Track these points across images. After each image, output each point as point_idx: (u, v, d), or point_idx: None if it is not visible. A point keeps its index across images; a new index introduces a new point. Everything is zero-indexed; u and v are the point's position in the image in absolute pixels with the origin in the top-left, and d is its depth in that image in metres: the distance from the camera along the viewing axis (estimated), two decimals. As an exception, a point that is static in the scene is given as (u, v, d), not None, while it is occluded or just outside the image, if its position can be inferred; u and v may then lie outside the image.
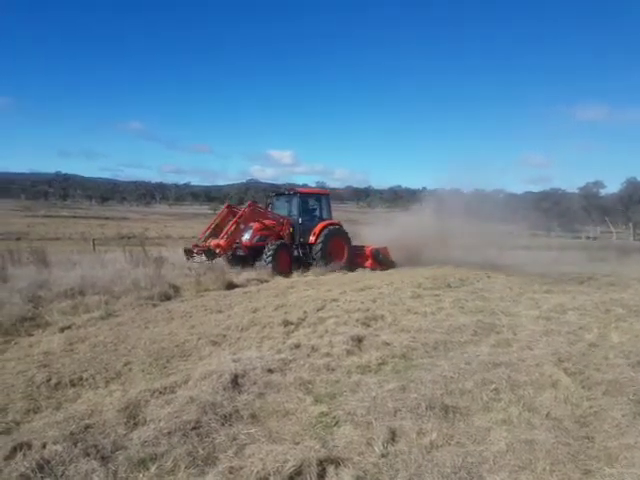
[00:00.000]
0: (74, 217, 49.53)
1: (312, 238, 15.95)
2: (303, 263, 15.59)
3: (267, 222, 15.58)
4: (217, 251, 14.02)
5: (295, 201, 16.41)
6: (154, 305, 9.32)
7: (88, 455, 3.38)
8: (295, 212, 16.27)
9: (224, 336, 6.89)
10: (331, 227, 16.39)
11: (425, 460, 3.51)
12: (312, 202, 17.07)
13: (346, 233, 16.86)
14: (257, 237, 15.29)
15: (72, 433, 3.71)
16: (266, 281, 12.82)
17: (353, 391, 4.82)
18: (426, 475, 3.30)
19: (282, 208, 16.77)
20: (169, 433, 3.75)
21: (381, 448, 3.64)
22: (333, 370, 5.44)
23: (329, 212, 17.26)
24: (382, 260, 17.27)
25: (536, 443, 3.73)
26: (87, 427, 3.88)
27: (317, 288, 11.57)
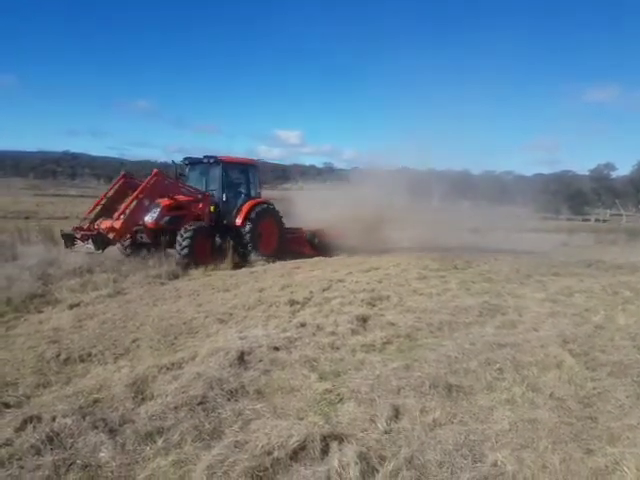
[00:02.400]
0: (82, 196, 49.71)
1: (239, 220, 13.01)
2: (225, 251, 12.20)
3: (181, 198, 12.20)
4: (110, 236, 10.58)
5: (216, 172, 13.18)
6: (162, 283, 9.42)
7: (96, 428, 3.45)
8: (217, 186, 13.13)
9: (231, 314, 6.96)
10: (262, 206, 13.59)
11: (428, 437, 3.55)
12: (237, 174, 13.86)
13: (279, 214, 14.08)
14: (166, 218, 11.82)
15: (81, 407, 3.78)
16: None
17: (357, 369, 4.86)
18: (428, 452, 3.34)
19: (198, 181, 13.52)
20: (176, 408, 3.82)
21: (384, 425, 3.68)
22: (338, 349, 5.49)
23: (257, 188, 14.30)
24: (318, 245, 15.03)
25: (539, 422, 3.75)
26: (96, 401, 3.96)
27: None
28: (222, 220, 13.00)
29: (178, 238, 11.41)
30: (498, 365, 4.93)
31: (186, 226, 11.63)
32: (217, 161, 12.99)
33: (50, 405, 3.83)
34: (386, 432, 3.61)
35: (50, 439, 3.27)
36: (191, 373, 4.47)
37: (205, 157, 13.10)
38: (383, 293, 8.32)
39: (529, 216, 34.69)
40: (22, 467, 2.99)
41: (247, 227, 12.95)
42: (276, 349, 5.32)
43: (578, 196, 58.43)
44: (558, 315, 7.22)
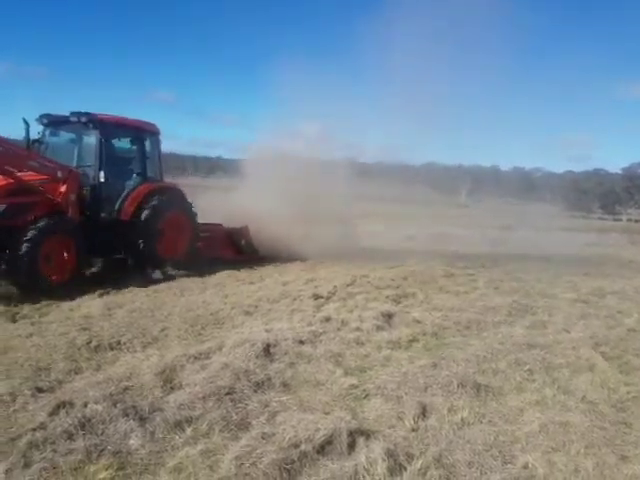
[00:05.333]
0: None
1: (126, 211, 8.86)
2: (110, 262, 9.28)
3: (27, 176, 7.72)
4: None
5: (91, 139, 8.80)
6: (188, 275, 9.53)
7: (127, 415, 3.50)
8: (92, 160, 8.66)
9: (256, 307, 7.00)
10: (165, 192, 9.50)
11: (456, 436, 3.50)
12: (126, 144, 9.47)
13: (190, 204, 10.07)
14: (1, 207, 7.41)
15: (112, 394, 3.84)
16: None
17: (383, 365, 4.84)
18: (457, 451, 3.29)
19: (64, 152, 9.07)
20: (204, 397, 3.85)
21: (411, 422, 3.64)
22: (363, 344, 5.46)
23: (159, 166, 9.93)
24: (246, 247, 11.60)
25: (570, 425, 3.66)
26: (126, 389, 4.03)
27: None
28: (98, 212, 8.67)
29: (20, 240, 7.20)
30: (528, 366, 4.85)
31: (32, 222, 7.44)
32: (92, 121, 8.47)
33: (82, 391, 3.90)
34: (413, 430, 3.58)
35: (82, 424, 3.33)
36: (218, 363, 4.51)
37: (73, 114, 8.55)
38: (408, 290, 8.25)
39: (559, 214, 33.96)
40: (55, 451, 3.05)
41: (140, 222, 8.86)
42: (301, 342, 5.33)
43: (610, 195, 56.82)
44: (590, 316, 7.05)
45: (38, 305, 6.82)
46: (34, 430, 3.28)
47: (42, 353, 4.88)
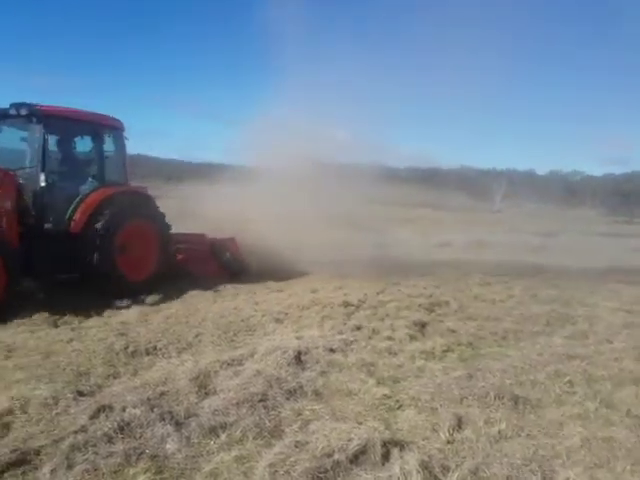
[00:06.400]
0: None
1: (78, 221, 7.50)
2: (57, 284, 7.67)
3: None
4: None
5: (34, 135, 7.32)
6: (220, 281, 9.62)
7: (164, 420, 3.57)
8: (32, 159, 7.38)
9: (286, 314, 7.01)
10: (126, 197, 8.08)
11: (493, 449, 3.41)
12: (78, 141, 8.20)
13: (160, 212, 8.58)
14: None
15: (149, 399, 3.93)
16: None
17: (417, 376, 4.77)
18: (494, 464, 3.20)
19: (5, 153, 7.86)
20: (237, 404, 3.89)
21: (447, 434, 3.58)
22: (395, 354, 5.40)
23: (123, 168, 8.56)
24: (229, 262, 10.05)
25: (615, 441, 3.52)
26: (162, 394, 4.11)
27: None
28: (41, 222, 7.29)
29: None
30: (568, 378, 4.70)
31: None
32: (34, 114, 7.19)
33: (120, 395, 4.01)
34: (449, 442, 3.51)
35: (121, 428, 3.42)
36: (251, 370, 4.55)
37: (12, 106, 7.31)
38: (442, 298, 8.13)
39: (599, 219, 32.80)
40: (96, 453, 3.14)
41: (94, 234, 7.44)
42: (332, 351, 5.32)
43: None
44: (633, 326, 6.79)
45: (78, 311, 7.03)
46: (76, 433, 3.38)
47: (82, 358, 5.04)
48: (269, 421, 3.71)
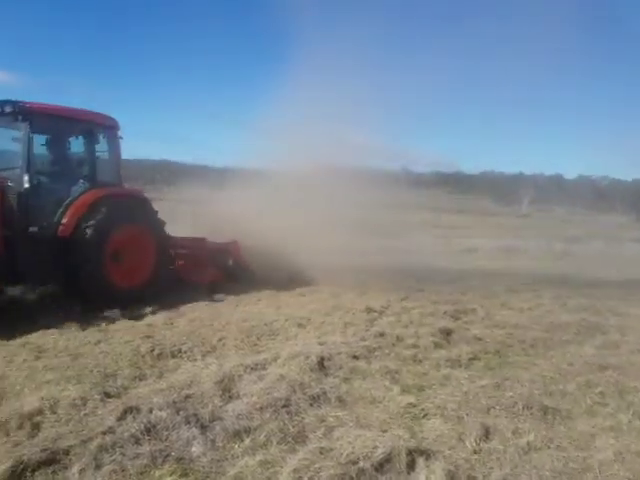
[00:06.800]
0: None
1: (67, 225, 7.08)
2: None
3: None
4: None
5: (19, 134, 6.98)
6: (242, 286, 9.66)
7: (189, 423, 3.60)
8: (17, 160, 6.98)
9: (308, 319, 6.97)
10: (120, 200, 7.72)
11: (521, 461, 3.33)
12: (67, 140, 7.83)
13: (156, 216, 8.19)
14: None
15: (174, 401, 3.97)
16: None
17: (442, 385, 4.69)
18: (522, 476, 3.13)
19: None
20: (261, 408, 3.89)
21: (473, 444, 3.50)
22: (420, 362, 5.33)
23: (117, 169, 8.23)
24: (233, 267, 9.81)
25: (650, 456, 3.39)
26: (187, 396, 4.14)
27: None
28: (26, 226, 6.87)
29: None
30: (600, 389, 4.56)
31: None
32: (20, 112, 6.79)
33: (146, 397, 4.06)
34: (475, 452, 3.44)
35: (148, 430, 3.46)
36: (274, 374, 4.55)
37: None
38: (468, 305, 7.99)
39: (630, 225, 31.82)
40: (124, 454, 3.18)
41: (83, 239, 7.07)
42: (355, 357, 5.28)
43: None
44: (668, 336, 6.52)
45: (106, 313, 7.15)
46: (104, 434, 3.43)
47: (109, 360, 5.12)
48: (293, 426, 3.69)
